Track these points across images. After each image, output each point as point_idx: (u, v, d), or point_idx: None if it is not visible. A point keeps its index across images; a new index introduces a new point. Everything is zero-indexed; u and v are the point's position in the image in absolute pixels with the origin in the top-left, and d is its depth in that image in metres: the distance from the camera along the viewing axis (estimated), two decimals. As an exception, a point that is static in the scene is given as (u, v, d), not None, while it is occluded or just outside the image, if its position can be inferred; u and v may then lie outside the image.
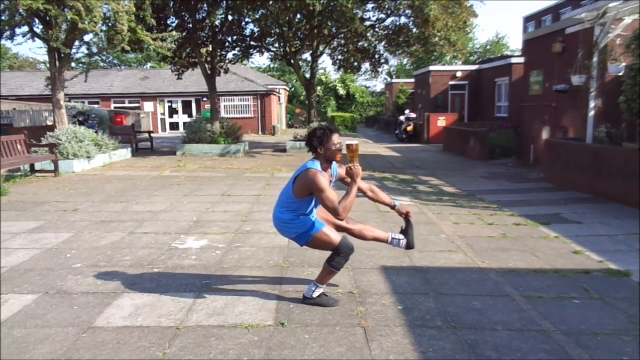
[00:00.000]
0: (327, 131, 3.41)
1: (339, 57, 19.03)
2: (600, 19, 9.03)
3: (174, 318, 3.36)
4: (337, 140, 3.41)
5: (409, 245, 3.77)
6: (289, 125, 35.25)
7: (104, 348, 2.95)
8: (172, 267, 4.44)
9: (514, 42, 61.96)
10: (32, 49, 46.92)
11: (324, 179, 3.30)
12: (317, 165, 3.40)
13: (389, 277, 4.17)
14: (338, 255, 3.43)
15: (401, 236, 3.77)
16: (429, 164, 13.73)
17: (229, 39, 16.78)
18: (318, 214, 3.64)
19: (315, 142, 3.40)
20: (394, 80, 34.86)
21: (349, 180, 3.54)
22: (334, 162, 3.54)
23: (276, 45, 18.37)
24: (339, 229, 3.69)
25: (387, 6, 15.63)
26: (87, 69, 12.27)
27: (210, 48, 15.71)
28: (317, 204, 3.52)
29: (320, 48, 18.16)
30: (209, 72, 15.61)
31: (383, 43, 17.45)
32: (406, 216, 3.77)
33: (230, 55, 17.84)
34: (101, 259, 4.64)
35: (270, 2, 14.72)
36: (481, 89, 22.07)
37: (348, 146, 3.40)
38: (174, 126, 27.46)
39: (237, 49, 17.64)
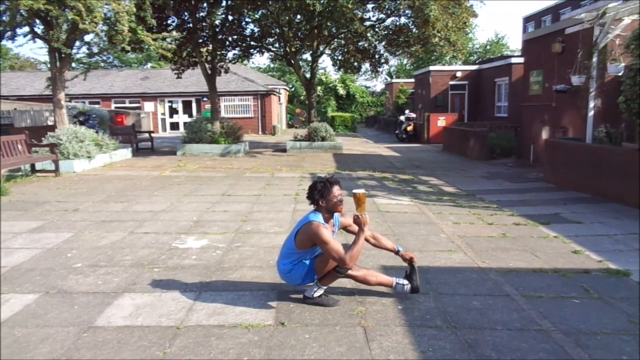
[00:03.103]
0: (327, 184, 3.43)
1: (339, 57, 19.03)
2: (599, 20, 9.05)
3: (174, 318, 3.37)
4: (338, 192, 3.44)
5: (414, 290, 3.69)
6: (289, 125, 35.27)
7: (105, 348, 2.96)
8: (172, 267, 4.45)
9: (514, 42, 61.96)
10: (33, 50, 47.08)
11: (327, 231, 3.33)
12: (319, 217, 3.43)
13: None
14: None
15: (405, 281, 3.70)
16: (429, 164, 13.74)
17: (229, 38, 16.79)
18: None
19: (316, 196, 3.44)
20: (394, 80, 34.88)
21: (352, 228, 3.57)
22: (336, 214, 3.56)
23: (276, 45, 18.38)
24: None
25: (387, 6, 15.64)
26: (87, 69, 12.27)
27: (210, 48, 15.72)
28: (318, 254, 3.53)
29: (321, 48, 18.16)
30: (209, 72, 15.62)
31: (383, 43, 17.45)
32: (410, 261, 3.73)
33: (230, 55, 17.85)
34: (102, 259, 4.65)
35: (270, 2, 14.73)
36: (481, 89, 22.08)
37: (355, 195, 3.41)
38: (175, 126, 27.47)
39: (238, 49, 17.65)
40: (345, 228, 3.73)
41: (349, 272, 3.62)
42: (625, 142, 8.40)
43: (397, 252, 3.77)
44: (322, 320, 3.34)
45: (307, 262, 3.50)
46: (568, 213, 6.83)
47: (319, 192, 3.43)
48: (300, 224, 3.48)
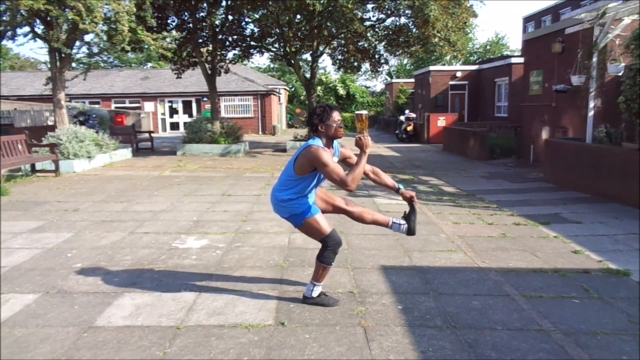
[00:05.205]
0: (327, 109, 3.37)
1: (339, 57, 19.02)
2: (599, 20, 9.04)
3: (174, 318, 3.37)
4: (338, 117, 3.37)
5: (410, 231, 3.63)
6: (289, 125, 35.26)
7: (105, 348, 2.96)
8: (172, 266, 4.45)
9: (514, 42, 61.96)
10: (33, 50, 47.06)
11: (326, 154, 3.25)
12: (318, 142, 3.34)
13: (389, 277, 4.18)
14: (326, 250, 3.41)
15: (402, 221, 3.64)
16: (429, 164, 13.73)
17: (229, 38, 16.80)
18: (318, 195, 3.59)
19: (315, 120, 3.36)
20: (394, 80, 34.83)
21: (351, 160, 3.51)
22: (335, 142, 3.48)
23: (276, 45, 18.36)
24: (339, 210, 3.65)
25: (387, 6, 15.63)
26: (87, 69, 12.28)
27: (210, 48, 15.73)
28: (317, 184, 3.47)
29: (321, 48, 18.15)
30: (209, 72, 15.63)
31: (383, 43, 17.44)
32: (410, 201, 3.63)
33: (230, 55, 17.86)
34: (102, 259, 4.65)
35: (270, 2, 14.73)
36: (481, 89, 22.08)
37: (357, 115, 3.33)
38: (175, 126, 27.47)
39: (238, 49, 17.65)
40: (344, 160, 3.61)
41: (346, 207, 3.59)
42: (625, 142, 8.40)
43: (397, 190, 3.65)
44: (322, 320, 3.34)
45: (304, 201, 3.40)
46: (568, 213, 6.83)
47: (319, 117, 3.34)
48: (299, 150, 3.38)
